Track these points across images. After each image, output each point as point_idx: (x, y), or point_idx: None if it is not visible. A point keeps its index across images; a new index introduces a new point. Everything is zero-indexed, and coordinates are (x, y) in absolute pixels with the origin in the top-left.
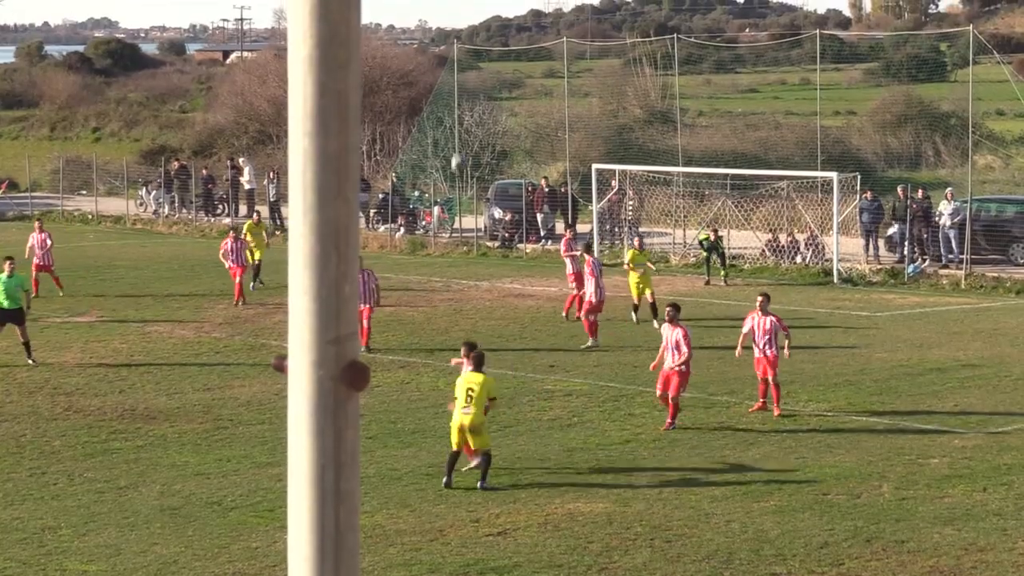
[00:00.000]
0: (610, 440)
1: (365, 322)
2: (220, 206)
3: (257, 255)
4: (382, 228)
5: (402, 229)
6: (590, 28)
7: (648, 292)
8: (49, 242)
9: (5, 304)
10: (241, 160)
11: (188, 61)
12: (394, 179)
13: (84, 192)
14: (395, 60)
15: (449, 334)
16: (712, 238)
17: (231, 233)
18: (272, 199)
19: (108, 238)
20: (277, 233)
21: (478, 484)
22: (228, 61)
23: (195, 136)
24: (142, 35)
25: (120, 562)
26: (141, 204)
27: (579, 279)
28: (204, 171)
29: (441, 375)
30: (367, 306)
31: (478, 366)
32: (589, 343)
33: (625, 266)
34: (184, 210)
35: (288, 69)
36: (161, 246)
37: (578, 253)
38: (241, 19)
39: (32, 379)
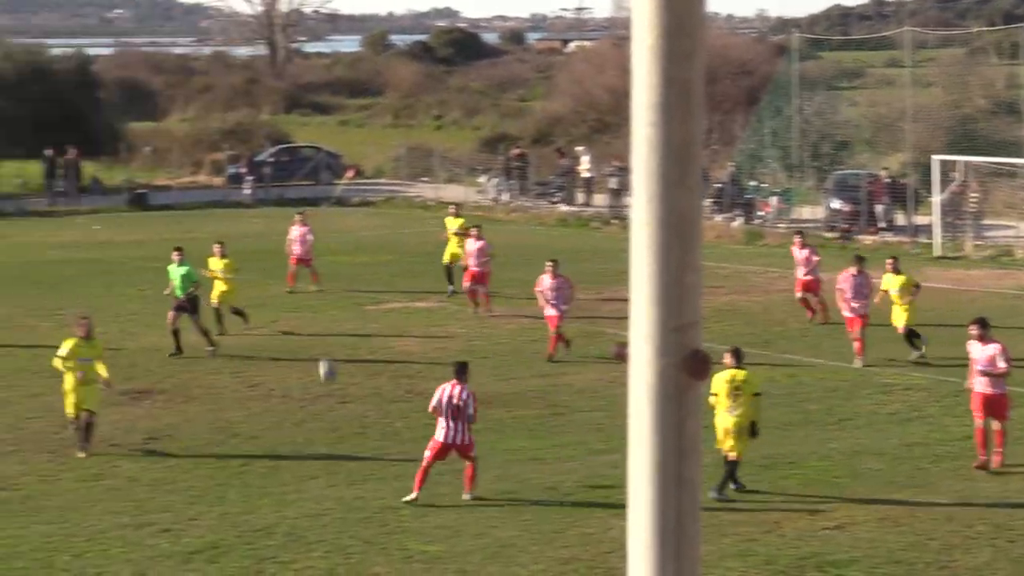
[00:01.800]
0: (950, 435)
1: (553, 330)
2: (555, 194)
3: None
4: (719, 218)
5: (739, 219)
6: (933, 17)
7: (904, 321)
8: (310, 237)
9: (180, 294)
10: (579, 149)
11: (528, 50)
12: (732, 169)
13: (426, 179)
14: (734, 49)
15: (786, 325)
16: None
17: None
18: (614, 187)
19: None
20: (613, 222)
21: (711, 493)
22: (567, 50)
23: (534, 124)
24: (483, 24)
25: (458, 543)
26: (481, 191)
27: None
28: (562, 159)
29: (776, 367)
30: (558, 313)
31: (739, 361)
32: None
33: (881, 294)
34: (522, 197)
35: (632, 59)
36: (499, 233)
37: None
38: (581, 8)
39: (375, 362)
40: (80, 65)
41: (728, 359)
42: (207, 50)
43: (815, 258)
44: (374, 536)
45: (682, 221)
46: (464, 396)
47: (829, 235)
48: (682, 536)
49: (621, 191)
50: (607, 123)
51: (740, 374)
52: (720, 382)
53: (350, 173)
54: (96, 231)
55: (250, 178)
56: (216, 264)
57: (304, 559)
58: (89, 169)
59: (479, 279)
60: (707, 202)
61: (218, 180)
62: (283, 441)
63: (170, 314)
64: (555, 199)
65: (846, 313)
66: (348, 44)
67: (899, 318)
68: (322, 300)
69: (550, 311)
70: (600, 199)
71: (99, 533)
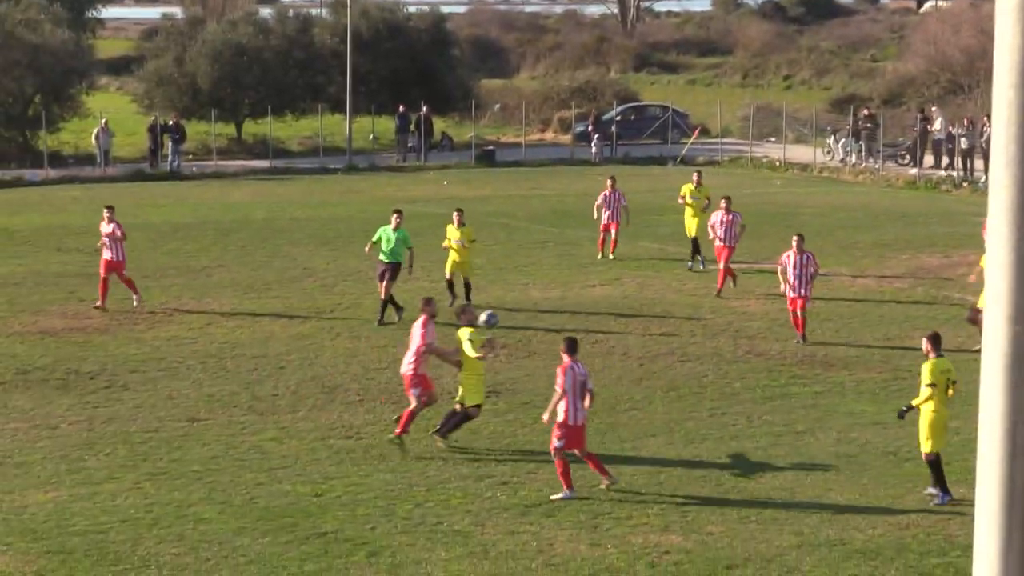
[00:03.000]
0: None
1: (799, 312)
2: (907, 156)
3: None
4: None
5: None
6: None
7: None
8: (623, 201)
9: (385, 258)
10: (933, 110)
11: (882, 10)
12: None
13: (772, 139)
14: None
15: None
16: None
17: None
18: (964, 148)
19: (794, 185)
20: (964, 184)
21: (939, 501)
22: (922, 10)
23: (885, 85)
24: None
25: (794, 506)
26: (828, 152)
27: None
28: (920, 120)
29: None
30: (800, 296)
31: (940, 348)
32: None
33: None
34: (870, 159)
35: (994, 20)
36: (846, 195)
37: None
38: None
39: (715, 322)
40: (435, 23)
41: (929, 346)
42: (558, 8)
43: None
44: (710, 495)
45: None
46: (585, 372)
47: None
48: None
49: (972, 153)
50: (960, 84)
51: (948, 364)
52: (937, 372)
53: (695, 132)
54: (445, 186)
55: (597, 136)
56: (453, 233)
57: (639, 515)
58: (440, 125)
59: (723, 255)
60: None
61: (565, 138)
62: (622, 398)
63: (380, 285)
64: (904, 161)
65: None
66: (699, 3)
67: None
68: (665, 259)
69: (791, 292)
70: (951, 161)
71: (439, 483)
